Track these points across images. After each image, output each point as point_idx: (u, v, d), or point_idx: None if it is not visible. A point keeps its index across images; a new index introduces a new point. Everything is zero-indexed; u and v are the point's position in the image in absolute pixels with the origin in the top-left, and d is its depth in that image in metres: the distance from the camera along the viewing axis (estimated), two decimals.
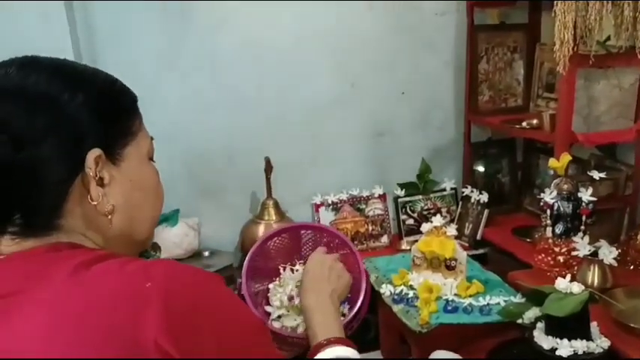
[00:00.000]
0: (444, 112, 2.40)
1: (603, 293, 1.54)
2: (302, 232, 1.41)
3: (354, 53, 2.23)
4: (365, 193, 2.32)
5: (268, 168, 2.14)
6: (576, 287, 1.35)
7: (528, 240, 2.05)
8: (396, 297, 1.73)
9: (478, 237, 2.23)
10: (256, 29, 2.11)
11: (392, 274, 1.82)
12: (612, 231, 1.95)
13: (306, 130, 2.25)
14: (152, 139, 0.76)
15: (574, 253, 1.65)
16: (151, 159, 0.75)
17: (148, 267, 0.61)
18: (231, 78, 2.13)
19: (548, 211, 1.76)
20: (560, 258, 1.73)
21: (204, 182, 2.20)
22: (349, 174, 2.34)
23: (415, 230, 2.30)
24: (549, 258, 1.75)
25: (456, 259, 1.83)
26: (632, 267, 1.74)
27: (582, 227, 1.72)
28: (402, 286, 1.76)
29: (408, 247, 2.19)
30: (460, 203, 2.34)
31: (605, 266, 1.60)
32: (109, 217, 0.68)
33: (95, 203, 0.66)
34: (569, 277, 1.39)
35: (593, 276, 1.60)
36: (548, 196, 1.76)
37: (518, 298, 1.68)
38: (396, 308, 1.69)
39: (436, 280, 1.84)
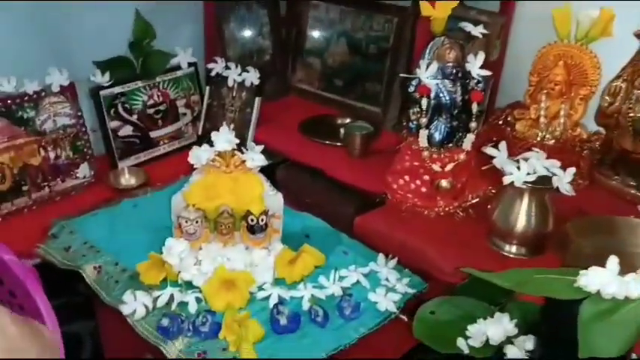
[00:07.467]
0: None
1: None
2: None
3: None
4: (30, 88, 1.15)
5: None
6: None
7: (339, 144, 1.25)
8: (164, 323, 0.81)
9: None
10: None
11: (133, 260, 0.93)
12: None
13: None
14: None
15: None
16: None
17: None
18: None
19: (424, 101, 0.97)
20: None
21: None
22: None
23: (138, 145, 1.30)
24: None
25: (266, 213, 0.94)
26: None
27: (473, 124, 1.00)
28: (169, 290, 0.88)
29: (134, 182, 1.20)
30: (208, 88, 1.37)
31: None
32: None
33: None
34: None
35: None
36: (424, 75, 0.95)
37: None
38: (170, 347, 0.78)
39: (236, 261, 0.93)
